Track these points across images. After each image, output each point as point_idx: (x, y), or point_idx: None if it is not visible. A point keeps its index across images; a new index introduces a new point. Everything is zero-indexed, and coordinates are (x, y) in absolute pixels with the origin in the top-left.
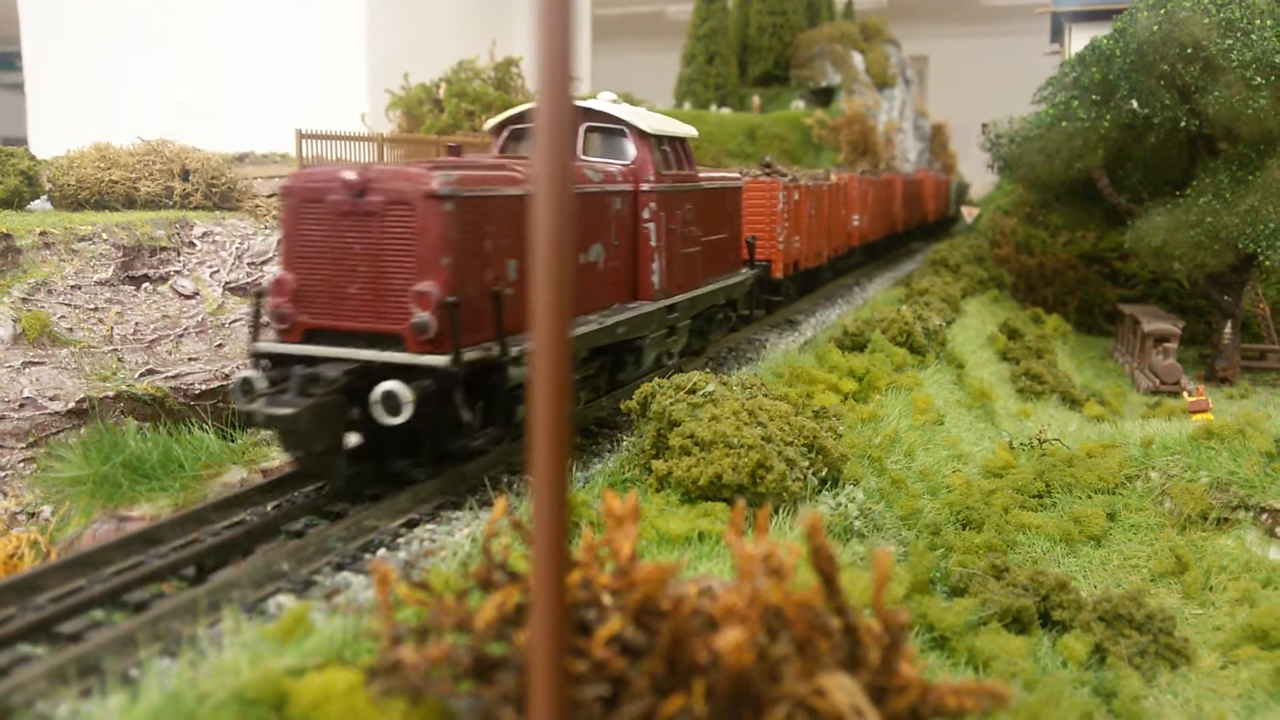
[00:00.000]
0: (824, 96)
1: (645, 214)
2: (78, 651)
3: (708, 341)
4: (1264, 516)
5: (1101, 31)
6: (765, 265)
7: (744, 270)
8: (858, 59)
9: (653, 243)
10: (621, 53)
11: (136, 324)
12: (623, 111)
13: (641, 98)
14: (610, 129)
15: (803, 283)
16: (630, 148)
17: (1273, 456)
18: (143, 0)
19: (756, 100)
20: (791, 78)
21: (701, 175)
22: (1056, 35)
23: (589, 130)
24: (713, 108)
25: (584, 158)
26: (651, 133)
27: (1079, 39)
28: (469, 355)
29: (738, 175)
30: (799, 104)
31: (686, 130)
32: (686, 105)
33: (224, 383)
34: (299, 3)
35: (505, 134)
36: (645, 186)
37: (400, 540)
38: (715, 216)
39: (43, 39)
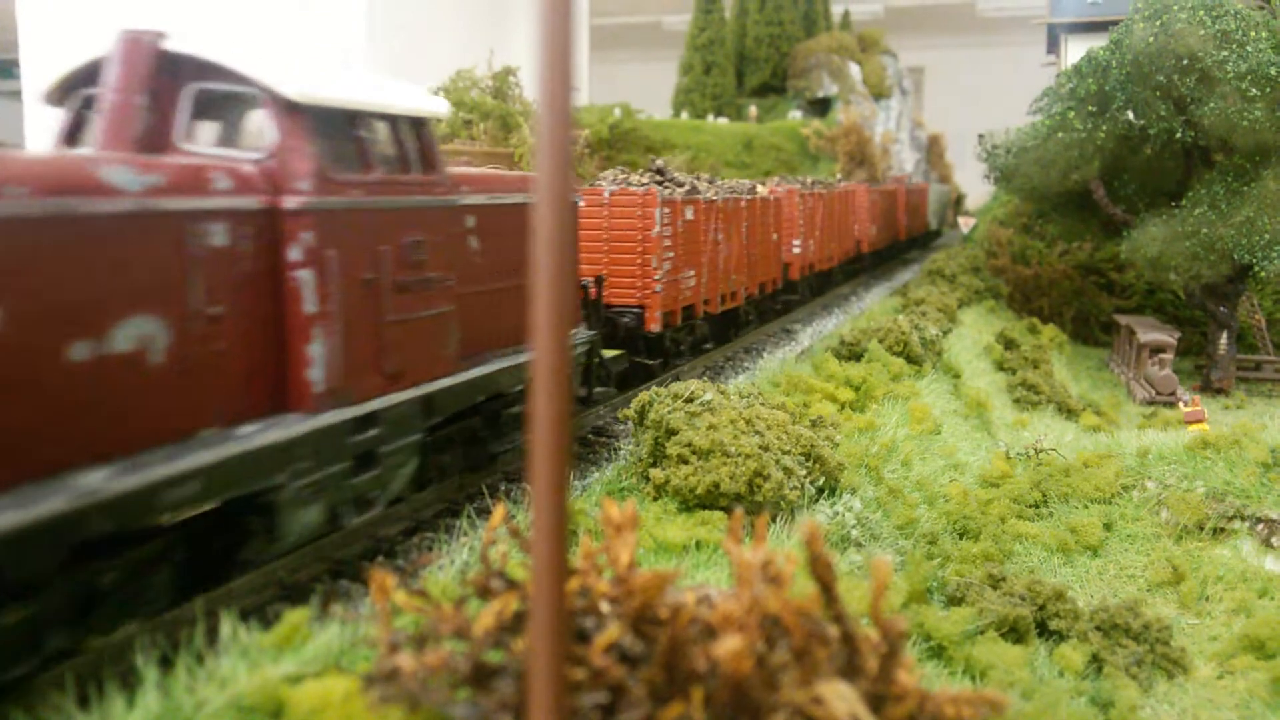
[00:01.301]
0: (821, 107)
1: (294, 253)
2: (74, 659)
3: (494, 456)
4: (1260, 526)
5: (1097, 43)
6: (635, 314)
7: (578, 332)
8: (854, 70)
9: (310, 307)
10: (619, 63)
11: None
12: (252, 66)
13: (639, 107)
14: (235, 94)
15: (714, 330)
16: (268, 128)
17: (1268, 467)
18: (142, 8)
19: (753, 110)
20: (788, 88)
21: (488, 180)
22: (1053, 46)
23: (202, 97)
24: (710, 118)
25: (185, 147)
26: (307, 103)
27: (1075, 50)
28: None
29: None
30: (796, 114)
31: (419, 104)
32: (684, 115)
33: None
34: (299, 12)
35: (77, 102)
36: (294, 202)
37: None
38: (515, 249)
39: (41, 46)
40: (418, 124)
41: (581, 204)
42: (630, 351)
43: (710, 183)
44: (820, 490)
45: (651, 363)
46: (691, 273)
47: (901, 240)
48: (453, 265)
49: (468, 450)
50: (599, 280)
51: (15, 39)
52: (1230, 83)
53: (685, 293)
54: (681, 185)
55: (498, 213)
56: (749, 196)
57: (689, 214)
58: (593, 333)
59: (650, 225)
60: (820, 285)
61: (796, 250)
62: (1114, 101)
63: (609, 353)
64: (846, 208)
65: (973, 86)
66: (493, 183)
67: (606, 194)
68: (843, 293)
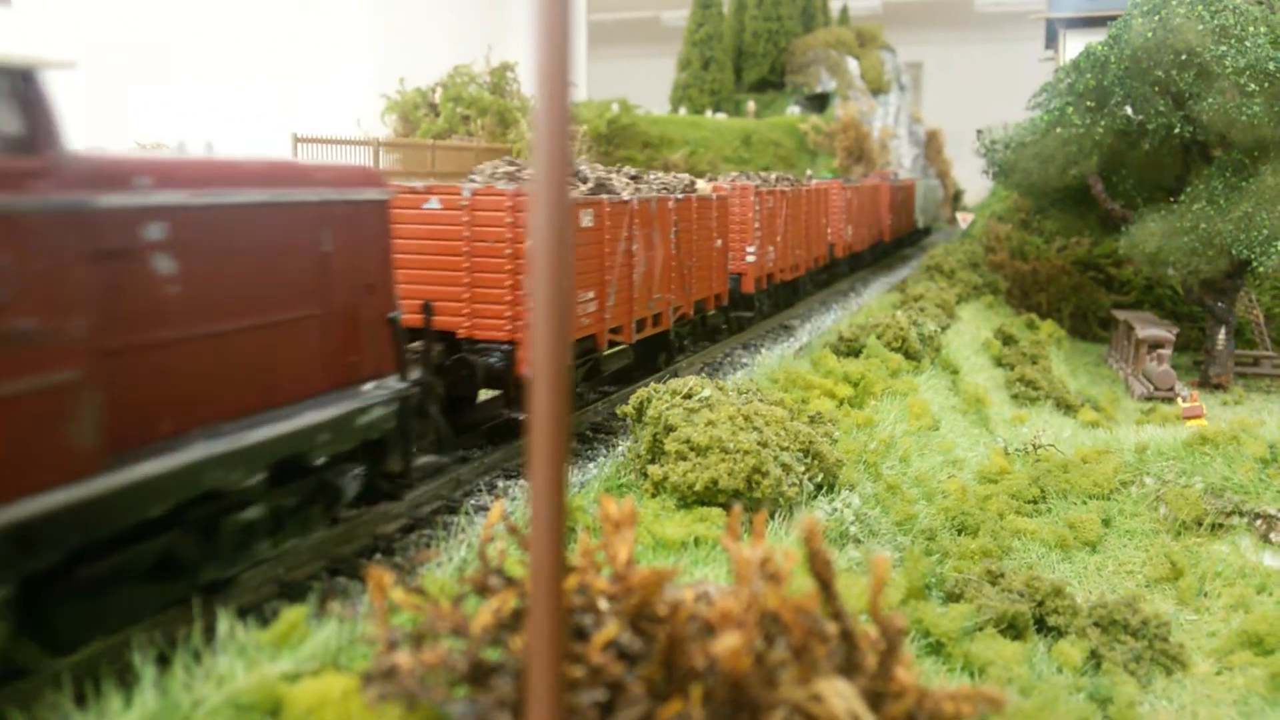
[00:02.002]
0: (819, 102)
1: None
2: (72, 657)
3: (214, 585)
4: (1258, 522)
5: (1096, 38)
6: (503, 352)
7: (386, 383)
8: (853, 65)
9: None
10: (617, 58)
11: None
12: None
13: (638, 103)
14: None
15: (638, 359)
16: None
17: (1267, 462)
18: (145, 7)
19: (752, 106)
20: (787, 83)
21: (202, 170)
22: (1051, 41)
23: None
24: (708, 113)
25: None
26: None
27: (1073, 45)
28: None
29: (366, 174)
30: (794, 110)
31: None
32: (682, 110)
33: None
34: (299, 12)
35: None
36: None
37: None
38: (268, 270)
39: (41, 45)
40: (24, 75)
41: (435, 207)
42: (502, 400)
43: (633, 178)
44: (819, 486)
45: (518, 415)
46: (591, 294)
47: (886, 241)
48: (90, 304)
49: (159, 583)
50: (426, 308)
51: None
52: (1229, 78)
53: (581, 320)
54: (586, 181)
55: (222, 220)
56: (680, 195)
57: (587, 220)
58: (405, 384)
59: (522, 236)
60: (786, 297)
61: (751, 258)
62: (1112, 97)
63: (484, 394)
64: (817, 208)
65: (971, 82)
66: (211, 174)
67: (466, 194)
68: (842, 289)
